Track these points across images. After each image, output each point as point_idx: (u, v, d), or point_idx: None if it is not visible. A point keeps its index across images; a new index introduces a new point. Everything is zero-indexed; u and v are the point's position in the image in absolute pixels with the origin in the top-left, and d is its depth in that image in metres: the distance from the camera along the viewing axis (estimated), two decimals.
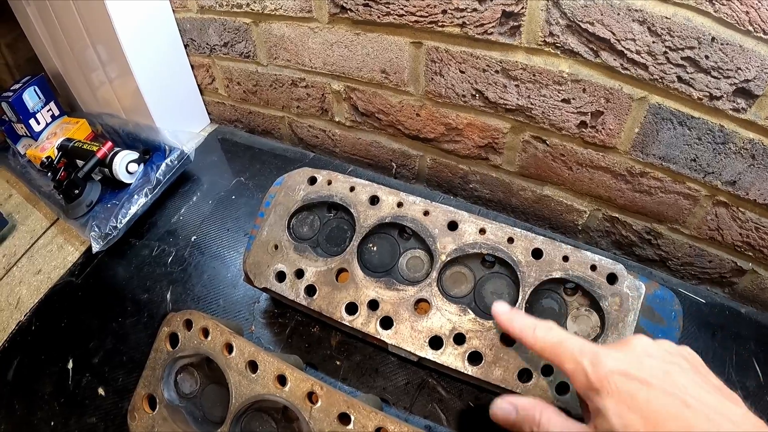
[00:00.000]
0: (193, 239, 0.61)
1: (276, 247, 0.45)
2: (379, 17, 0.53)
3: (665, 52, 0.41)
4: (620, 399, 0.22)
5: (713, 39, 0.39)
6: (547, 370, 0.36)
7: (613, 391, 0.22)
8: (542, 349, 0.27)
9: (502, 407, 0.28)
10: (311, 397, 0.34)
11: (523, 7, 0.45)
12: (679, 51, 0.40)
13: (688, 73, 0.41)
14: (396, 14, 0.52)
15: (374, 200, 0.44)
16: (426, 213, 0.43)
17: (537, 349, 0.28)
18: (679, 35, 0.40)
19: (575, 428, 0.25)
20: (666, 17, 0.39)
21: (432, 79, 0.55)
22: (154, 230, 0.62)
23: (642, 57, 0.42)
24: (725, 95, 0.41)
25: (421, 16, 0.50)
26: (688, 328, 0.47)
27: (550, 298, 0.40)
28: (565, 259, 0.39)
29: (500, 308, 0.31)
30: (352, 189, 0.45)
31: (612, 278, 0.37)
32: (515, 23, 0.46)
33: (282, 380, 0.35)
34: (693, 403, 0.22)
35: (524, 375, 0.37)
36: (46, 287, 0.59)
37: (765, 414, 0.24)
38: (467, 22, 0.48)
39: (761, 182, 0.44)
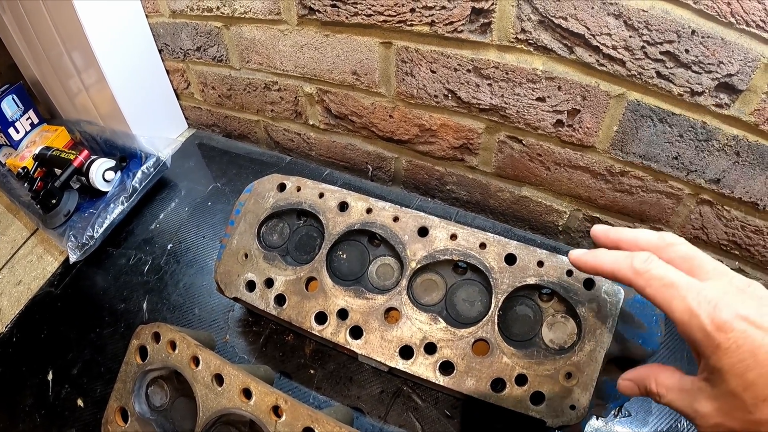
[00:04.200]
0: (169, 247, 0.60)
1: (246, 255, 0.44)
2: (347, 18, 0.52)
3: (643, 47, 0.40)
4: (739, 355, 0.20)
5: (693, 32, 0.37)
6: (521, 379, 0.35)
7: (731, 346, 0.20)
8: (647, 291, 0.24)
9: (627, 386, 0.28)
10: (276, 410, 0.34)
11: (493, 3, 0.44)
12: (658, 45, 0.39)
13: (667, 68, 0.40)
14: (364, 14, 0.50)
15: (343, 206, 0.44)
16: (396, 219, 0.42)
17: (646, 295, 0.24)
18: (657, 29, 0.38)
19: (689, 385, 0.24)
20: (643, 10, 0.38)
21: (403, 79, 0.54)
22: (131, 239, 0.62)
23: (619, 52, 0.41)
24: (707, 90, 0.40)
25: (390, 16, 0.49)
26: (671, 332, 0.45)
27: (524, 305, 0.39)
28: (540, 264, 0.38)
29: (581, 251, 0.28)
30: (321, 195, 0.44)
31: (589, 283, 0.36)
32: (485, 20, 0.45)
33: (247, 393, 0.35)
34: None
35: (498, 385, 0.36)
36: (27, 298, 0.59)
37: None
38: (436, 21, 0.47)
39: (746, 180, 0.43)
